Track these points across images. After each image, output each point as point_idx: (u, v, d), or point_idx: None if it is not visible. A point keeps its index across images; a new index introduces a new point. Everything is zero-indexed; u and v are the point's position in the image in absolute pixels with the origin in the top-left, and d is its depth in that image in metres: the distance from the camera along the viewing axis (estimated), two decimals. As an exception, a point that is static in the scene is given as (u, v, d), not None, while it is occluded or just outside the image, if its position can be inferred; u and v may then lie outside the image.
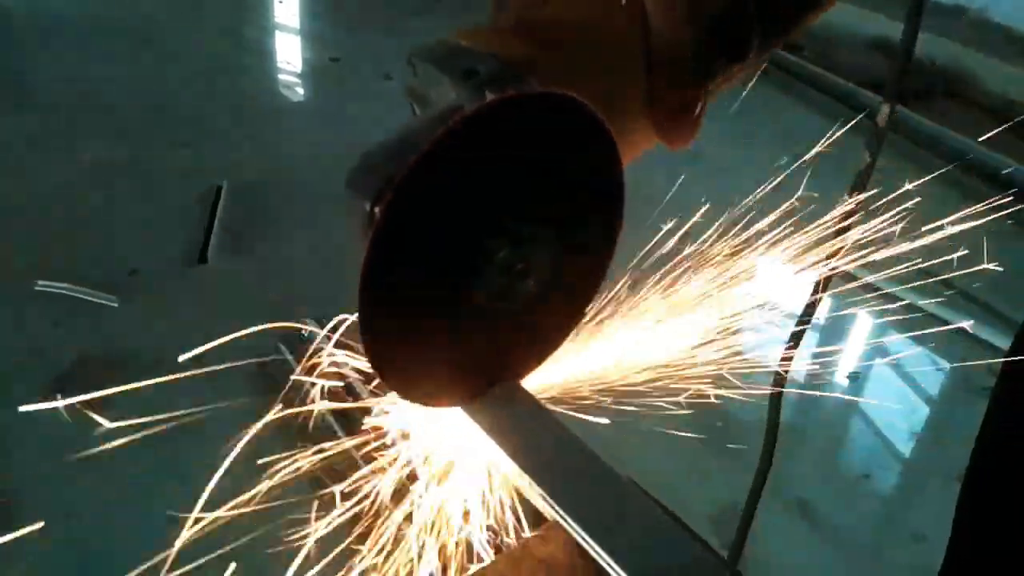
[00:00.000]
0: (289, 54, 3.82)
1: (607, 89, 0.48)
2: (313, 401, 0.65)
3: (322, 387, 0.65)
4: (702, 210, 0.94)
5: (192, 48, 3.62)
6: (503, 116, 0.42)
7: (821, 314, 2.66)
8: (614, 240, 0.52)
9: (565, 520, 0.51)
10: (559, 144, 0.45)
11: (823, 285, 0.99)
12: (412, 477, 0.63)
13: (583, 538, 0.50)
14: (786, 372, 1.05)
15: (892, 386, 2.36)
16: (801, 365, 2.32)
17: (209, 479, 1.91)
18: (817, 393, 1.81)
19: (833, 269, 0.96)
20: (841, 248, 0.93)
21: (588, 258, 0.52)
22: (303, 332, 2.24)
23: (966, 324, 2.49)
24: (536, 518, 0.57)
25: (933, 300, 2.56)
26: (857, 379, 2.32)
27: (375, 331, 0.45)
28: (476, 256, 0.46)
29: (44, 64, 3.33)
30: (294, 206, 2.72)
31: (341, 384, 0.56)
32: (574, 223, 0.49)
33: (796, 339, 1.06)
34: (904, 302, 2.56)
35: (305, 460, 0.67)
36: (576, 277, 0.52)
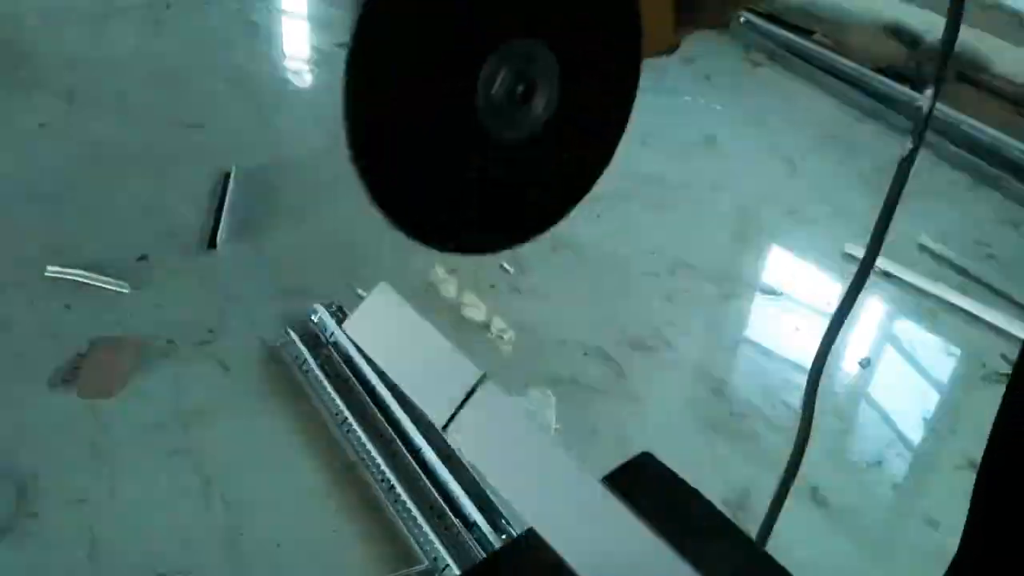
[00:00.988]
0: (297, 39, 3.81)
1: None
2: None
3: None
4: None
5: (201, 33, 3.62)
6: None
7: (831, 300, 2.66)
8: (630, 87, 0.48)
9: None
10: None
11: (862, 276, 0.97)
12: None
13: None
14: (821, 366, 1.04)
15: (903, 372, 2.35)
16: (812, 352, 2.33)
17: (222, 464, 1.93)
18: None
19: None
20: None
21: (601, 106, 0.48)
22: (312, 317, 2.26)
23: (977, 309, 2.48)
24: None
25: (944, 285, 2.55)
26: (868, 365, 2.31)
27: (372, 146, 0.43)
28: (473, 69, 0.42)
29: (53, 47, 3.33)
30: (303, 191, 2.72)
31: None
32: (577, 45, 0.45)
33: (833, 332, 1.04)
34: (914, 286, 2.56)
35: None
36: (589, 123, 0.48)
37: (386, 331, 0.46)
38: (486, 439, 0.55)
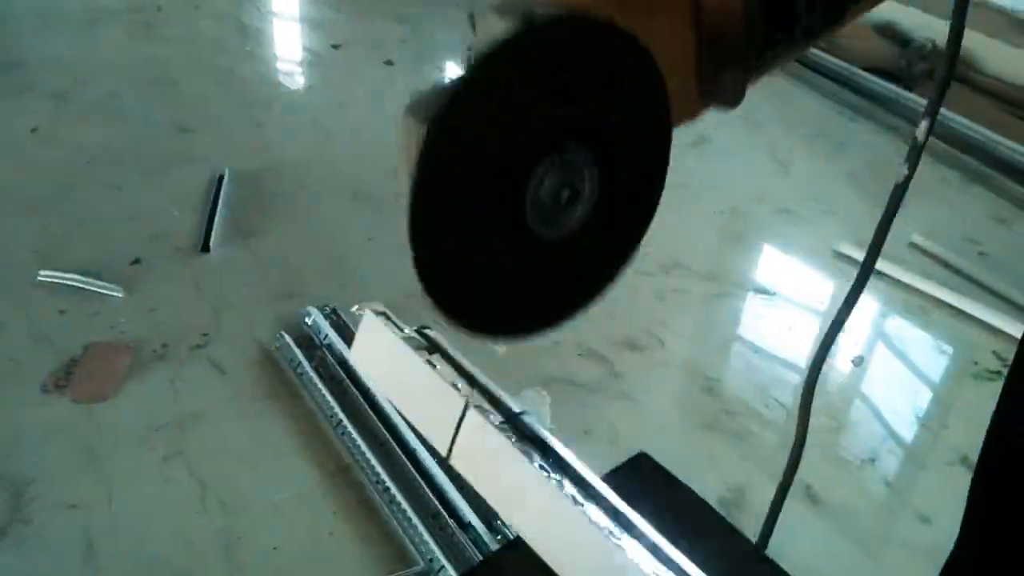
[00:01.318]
0: (290, 41, 3.81)
1: (656, 39, 0.48)
2: None
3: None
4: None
5: (192, 35, 3.62)
6: (551, 37, 0.43)
7: (823, 299, 2.67)
8: (658, 185, 0.52)
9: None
10: (611, 76, 0.46)
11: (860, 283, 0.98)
12: None
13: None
14: (818, 370, 1.04)
15: (895, 370, 2.36)
16: (804, 350, 2.34)
17: (217, 467, 1.94)
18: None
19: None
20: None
21: (631, 201, 0.52)
22: (307, 320, 2.26)
23: (969, 307, 2.49)
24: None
25: (935, 282, 2.57)
26: (861, 363, 2.32)
27: (425, 246, 0.44)
28: (525, 178, 0.46)
29: (44, 52, 3.33)
30: (296, 193, 2.72)
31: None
32: (617, 153, 0.49)
33: (832, 334, 1.05)
34: (906, 284, 2.57)
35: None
36: (621, 217, 0.52)
37: (381, 361, 0.47)
38: (478, 464, 0.56)
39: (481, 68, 0.41)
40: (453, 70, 3.65)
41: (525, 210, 0.47)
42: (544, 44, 0.43)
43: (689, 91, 0.53)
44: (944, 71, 0.84)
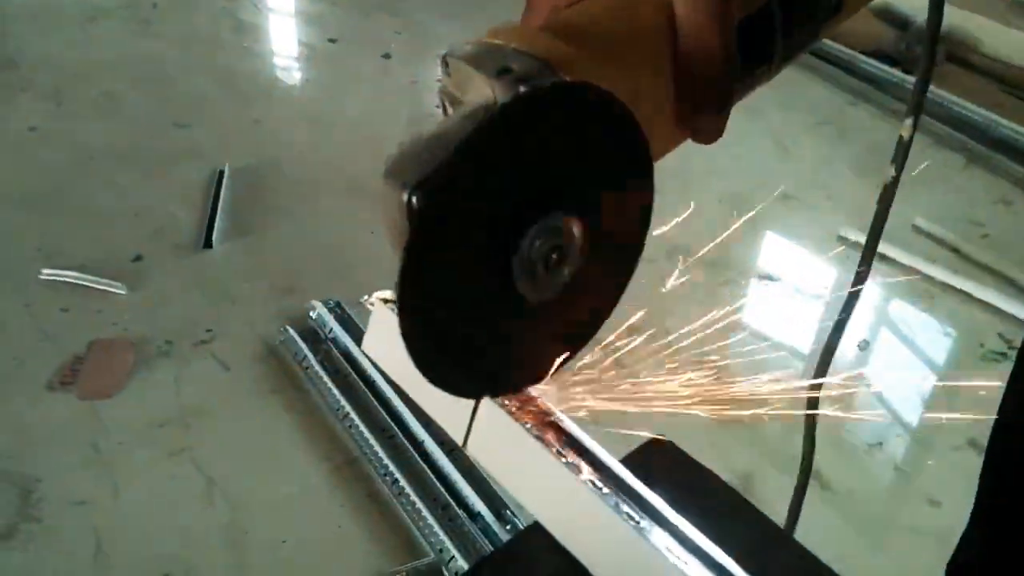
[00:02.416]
0: (286, 36, 3.80)
1: (635, 86, 0.49)
2: None
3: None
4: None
5: (189, 32, 3.60)
6: (539, 107, 0.43)
7: (828, 284, 2.66)
8: (642, 233, 0.53)
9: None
10: (588, 135, 0.46)
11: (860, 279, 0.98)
12: None
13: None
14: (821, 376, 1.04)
15: (901, 354, 2.36)
16: (810, 336, 2.33)
17: (224, 463, 1.94)
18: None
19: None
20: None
21: (617, 252, 0.53)
22: (311, 314, 2.25)
23: (973, 289, 2.49)
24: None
25: (939, 266, 2.56)
26: (866, 347, 2.32)
27: (412, 317, 0.45)
28: (513, 247, 0.46)
29: (40, 49, 3.31)
30: (296, 188, 2.71)
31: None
32: (603, 215, 0.50)
33: (835, 336, 1.05)
34: (910, 267, 2.56)
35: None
36: (606, 269, 0.53)
37: (394, 351, 0.47)
38: (496, 454, 0.56)
39: (467, 147, 0.41)
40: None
41: (513, 275, 0.47)
42: (530, 115, 0.43)
43: (667, 131, 0.53)
44: (923, 72, 0.83)
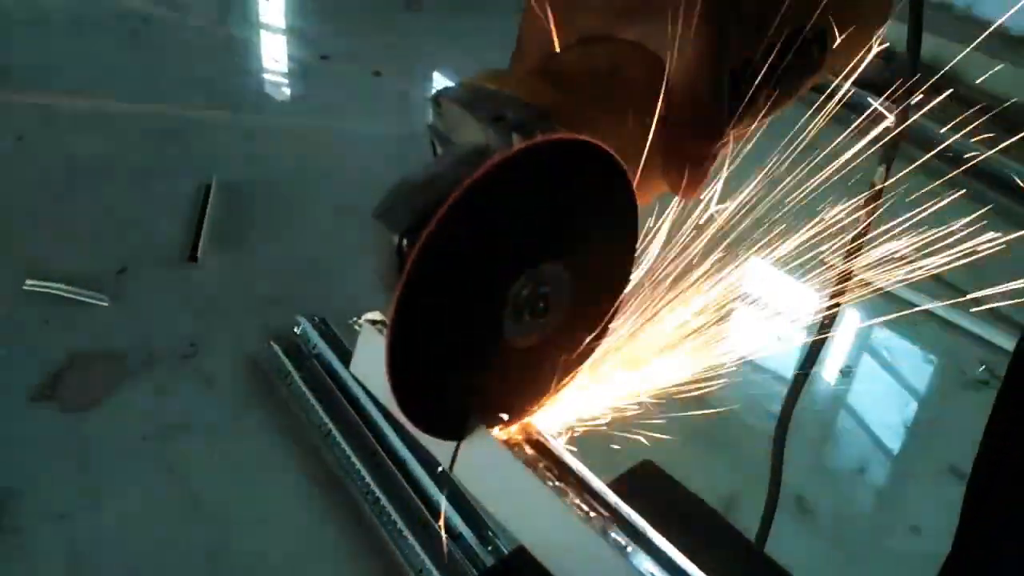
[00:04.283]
0: (277, 52, 3.81)
1: (624, 136, 0.50)
2: None
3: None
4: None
5: (179, 45, 3.61)
6: (534, 159, 0.44)
7: (812, 309, 2.67)
8: (625, 280, 0.54)
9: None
10: (581, 188, 0.47)
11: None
12: None
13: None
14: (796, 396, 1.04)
15: (883, 380, 2.37)
16: (791, 359, 2.34)
17: (205, 477, 1.92)
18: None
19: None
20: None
21: (600, 296, 0.54)
22: (295, 329, 2.25)
23: (955, 317, 2.51)
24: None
25: (921, 292, 2.58)
26: (849, 373, 2.33)
27: (402, 360, 0.46)
28: (501, 296, 0.47)
29: (30, 60, 3.31)
30: (284, 203, 2.71)
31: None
32: (589, 264, 0.51)
33: (809, 363, 1.04)
34: (892, 294, 2.58)
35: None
36: (591, 313, 0.54)
37: (381, 372, 0.47)
38: (483, 478, 0.56)
39: (461, 196, 0.42)
40: (440, 81, 3.66)
41: (501, 320, 0.48)
42: (526, 169, 0.44)
43: (651, 182, 0.54)
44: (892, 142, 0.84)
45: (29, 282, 2.23)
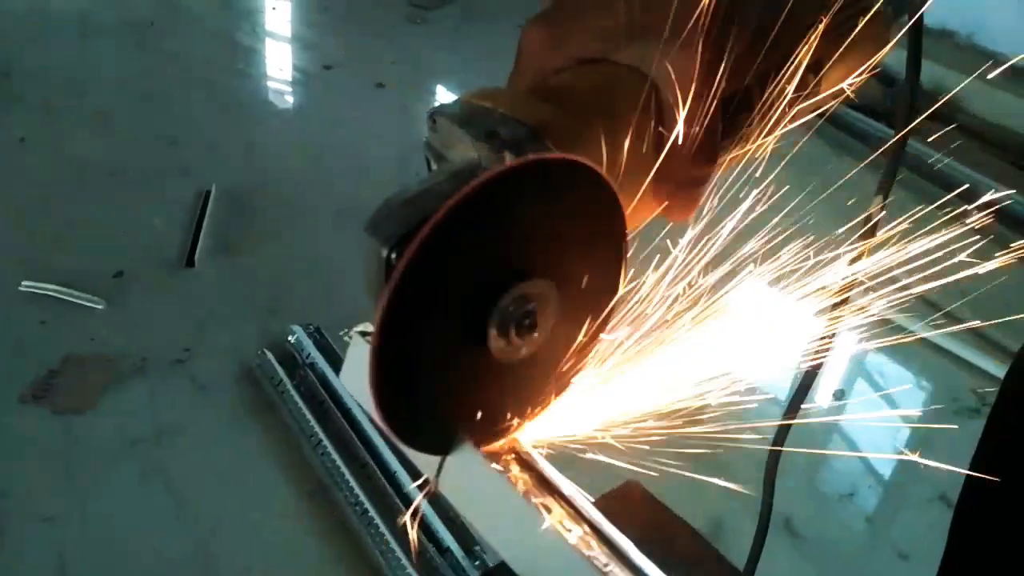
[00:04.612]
0: (282, 60, 3.82)
1: (615, 158, 0.50)
2: None
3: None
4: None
5: (184, 52, 3.62)
6: (524, 177, 0.44)
7: (806, 334, 2.67)
8: (611, 299, 0.54)
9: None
10: (570, 207, 0.48)
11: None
12: None
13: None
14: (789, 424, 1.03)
15: (875, 405, 2.37)
16: (786, 384, 2.35)
17: (195, 484, 1.91)
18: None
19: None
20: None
21: (588, 315, 0.54)
22: (290, 338, 2.25)
23: (949, 344, 2.51)
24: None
25: (910, 314, 2.59)
26: (842, 397, 2.33)
27: (386, 373, 0.46)
28: (488, 312, 0.47)
29: (34, 63, 3.32)
30: (283, 212, 2.71)
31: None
32: (577, 283, 0.51)
33: (803, 391, 1.04)
34: (886, 320, 2.59)
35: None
36: (576, 331, 0.54)
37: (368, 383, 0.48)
38: (467, 492, 0.56)
39: (451, 211, 0.42)
40: (443, 94, 3.67)
41: (487, 336, 0.48)
42: (516, 186, 0.44)
43: (643, 204, 0.55)
44: (891, 166, 0.83)
45: (26, 283, 2.23)
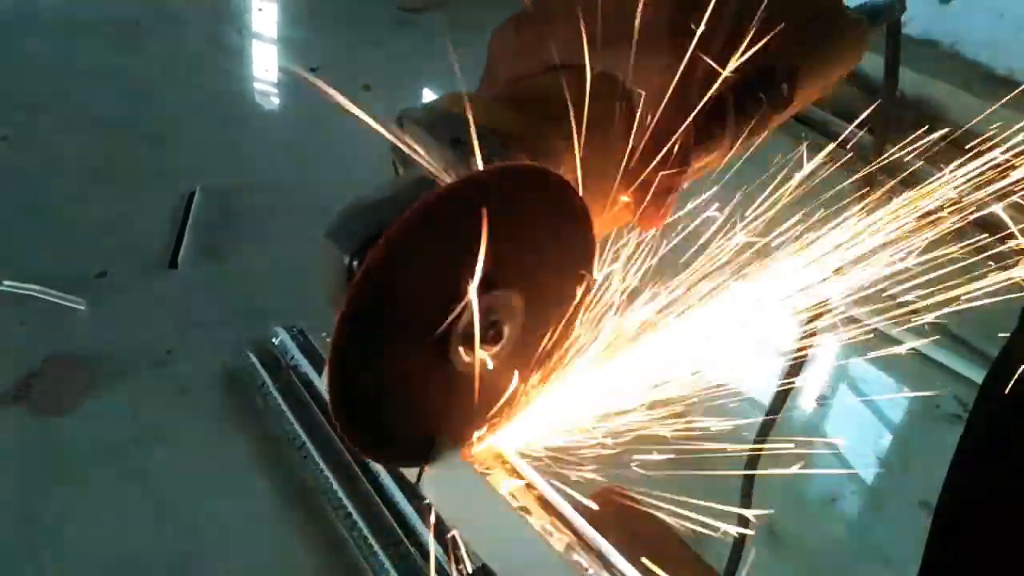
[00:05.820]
0: (268, 62, 3.81)
1: (585, 166, 0.50)
2: None
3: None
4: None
5: (170, 51, 3.60)
6: (489, 186, 0.44)
7: (790, 338, 2.68)
8: (579, 306, 0.54)
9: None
10: (535, 215, 0.47)
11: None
12: None
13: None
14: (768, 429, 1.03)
15: (858, 411, 2.38)
16: (769, 388, 2.35)
17: (175, 488, 1.90)
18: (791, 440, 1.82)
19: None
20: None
21: (555, 321, 0.53)
22: (273, 340, 2.23)
23: (931, 351, 2.52)
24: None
25: (893, 322, 2.60)
26: (825, 402, 2.34)
27: (347, 382, 0.45)
28: (451, 322, 0.46)
29: (17, 60, 3.29)
30: (267, 213, 2.70)
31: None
32: (543, 290, 0.50)
33: (781, 398, 1.04)
34: (867, 325, 2.60)
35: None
36: (543, 337, 0.53)
37: None
38: (448, 494, 0.56)
39: (413, 217, 0.41)
40: (429, 97, 3.66)
41: (449, 346, 0.47)
42: (480, 194, 0.43)
43: (612, 212, 0.54)
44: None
45: (6, 283, 2.21)
